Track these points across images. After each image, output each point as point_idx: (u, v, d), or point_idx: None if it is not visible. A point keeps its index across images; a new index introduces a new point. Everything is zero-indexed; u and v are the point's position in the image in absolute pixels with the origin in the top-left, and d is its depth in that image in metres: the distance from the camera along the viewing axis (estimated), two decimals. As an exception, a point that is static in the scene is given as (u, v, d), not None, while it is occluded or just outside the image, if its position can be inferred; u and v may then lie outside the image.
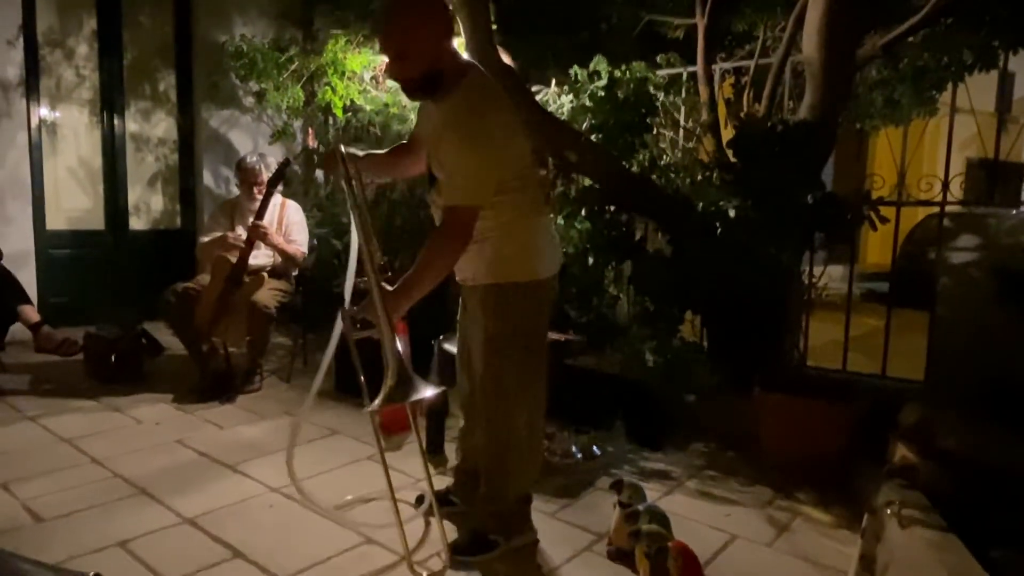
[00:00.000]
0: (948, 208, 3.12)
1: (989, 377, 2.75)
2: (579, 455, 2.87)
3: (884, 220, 2.93)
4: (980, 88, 3.38)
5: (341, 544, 2.14)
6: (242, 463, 2.76)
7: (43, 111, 4.89)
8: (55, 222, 4.99)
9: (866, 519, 1.79)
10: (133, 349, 3.91)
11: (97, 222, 5.22)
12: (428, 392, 1.87)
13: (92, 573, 1.12)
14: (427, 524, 2.25)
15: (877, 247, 8.00)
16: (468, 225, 1.90)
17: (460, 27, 2.92)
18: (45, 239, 4.89)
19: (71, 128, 5.05)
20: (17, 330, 3.79)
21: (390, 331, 1.86)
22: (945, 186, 3.08)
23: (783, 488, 2.64)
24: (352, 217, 2.05)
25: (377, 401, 1.85)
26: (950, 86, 3.33)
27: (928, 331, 3.11)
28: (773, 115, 3.37)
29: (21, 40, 4.61)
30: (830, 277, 3.68)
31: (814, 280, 3.54)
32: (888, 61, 3.62)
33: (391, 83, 4.19)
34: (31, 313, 3.82)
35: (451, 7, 2.15)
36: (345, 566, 2.03)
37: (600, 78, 3.21)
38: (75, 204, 5.11)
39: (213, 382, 3.63)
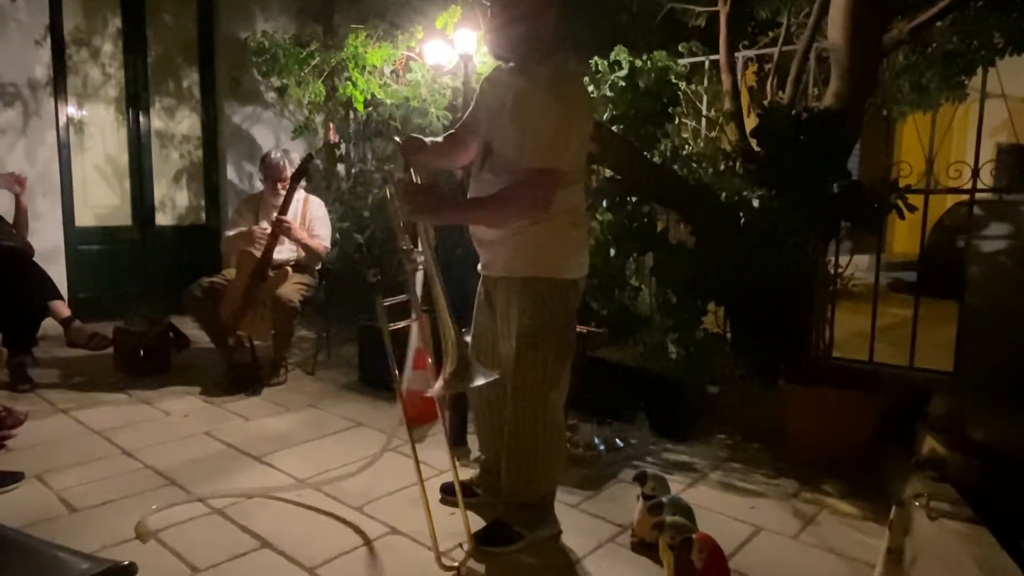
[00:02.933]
0: (978, 195, 3.05)
1: (1020, 368, 2.70)
2: (602, 447, 2.87)
3: (912, 208, 2.88)
4: (1011, 72, 3.29)
5: (367, 535, 2.17)
6: (269, 454, 2.80)
7: (71, 109, 4.97)
8: (84, 219, 5.08)
9: (894, 511, 1.77)
10: (161, 343, 3.98)
11: (124, 218, 5.31)
12: (486, 378, 1.87)
13: (127, 562, 1.14)
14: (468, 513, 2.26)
15: (905, 236, 7.87)
16: (550, 190, 1.87)
17: (480, 19, 2.91)
18: (74, 235, 4.99)
19: (98, 126, 5.13)
20: (49, 325, 3.87)
21: (449, 319, 1.87)
22: (975, 173, 3.02)
23: (809, 480, 2.61)
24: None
25: (438, 385, 1.86)
26: (980, 70, 3.26)
27: (957, 321, 3.06)
28: (797, 103, 3.32)
29: (48, 40, 4.69)
30: (856, 267, 3.63)
31: (840, 270, 3.50)
32: (916, 45, 3.54)
33: (411, 77, 4.20)
34: (62, 308, 3.89)
35: None
36: (372, 557, 2.05)
37: (621, 68, 3.18)
38: (103, 201, 5.20)
39: (239, 375, 3.68)
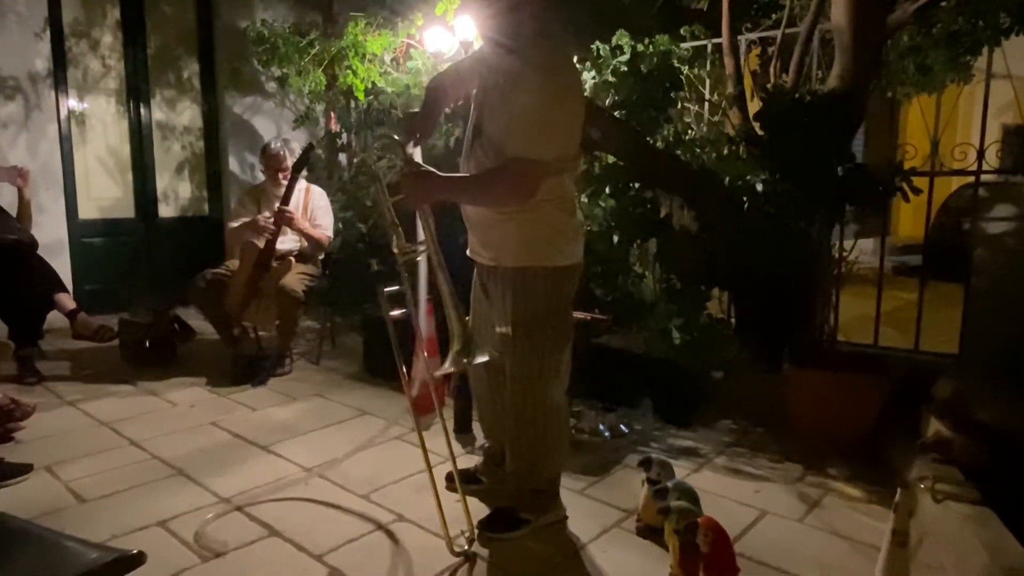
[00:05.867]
0: (983, 177, 3.03)
1: (1026, 350, 2.69)
2: (607, 433, 2.88)
3: (917, 191, 2.86)
4: (1017, 52, 3.26)
5: (374, 522, 2.18)
6: (275, 444, 2.81)
7: (71, 102, 4.96)
8: (87, 211, 5.09)
9: (899, 494, 1.77)
10: (166, 334, 3.99)
11: (127, 210, 5.31)
12: (488, 356, 1.90)
13: (135, 551, 1.15)
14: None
15: (910, 219, 7.82)
16: (532, 180, 1.88)
17: (471, 6, 2.89)
18: (78, 228, 5.00)
19: (99, 118, 5.13)
20: (54, 318, 3.88)
21: (454, 300, 1.89)
22: (980, 154, 3.00)
23: (814, 464, 2.62)
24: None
25: (447, 363, 1.88)
26: (986, 50, 3.22)
27: (962, 304, 3.04)
28: (801, 86, 3.29)
29: (48, 32, 4.68)
30: (861, 250, 3.60)
31: (844, 254, 3.48)
32: (920, 26, 3.50)
33: (412, 64, 4.18)
34: (67, 301, 3.90)
35: None
36: (379, 543, 2.07)
37: (623, 53, 3.16)
38: (105, 193, 5.21)
39: (244, 365, 3.70)
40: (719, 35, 3.48)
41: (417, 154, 2.14)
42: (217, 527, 2.14)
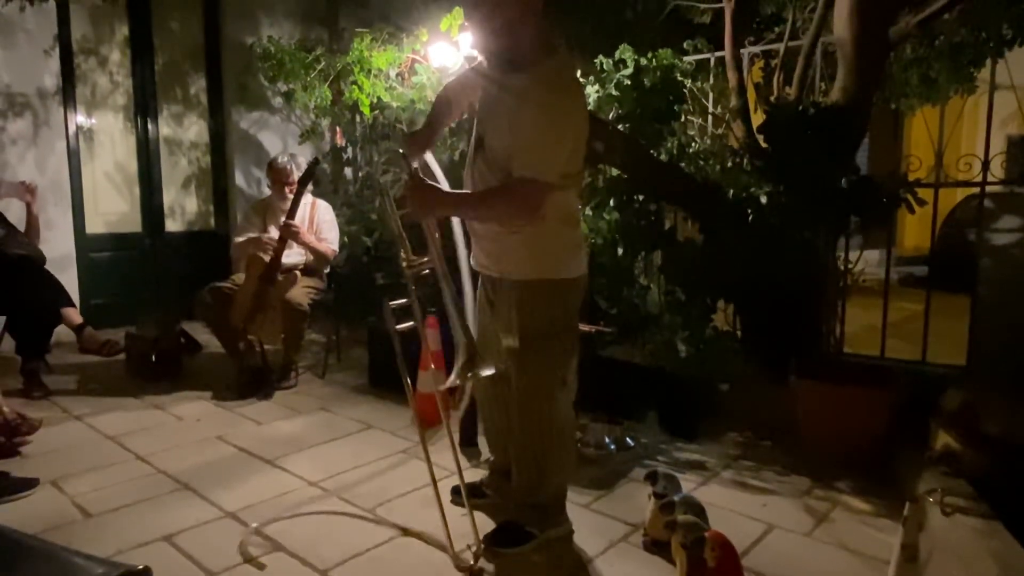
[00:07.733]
0: (988, 188, 3.03)
1: (1034, 361, 2.68)
2: (613, 446, 2.87)
3: (922, 202, 2.86)
4: (1021, 63, 3.27)
5: (379, 536, 2.18)
6: (281, 458, 2.81)
7: (79, 118, 5.01)
8: (94, 226, 5.12)
9: (908, 507, 1.76)
10: (172, 348, 4.01)
11: (134, 225, 5.34)
12: (493, 369, 1.91)
13: (141, 566, 1.15)
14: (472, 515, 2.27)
15: (915, 230, 7.82)
16: (538, 199, 1.89)
17: (469, 28, 2.91)
18: (85, 242, 5.03)
19: (107, 134, 5.17)
20: (61, 332, 3.90)
21: (460, 313, 1.91)
22: (985, 165, 3.00)
23: (821, 477, 2.60)
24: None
25: (452, 376, 1.89)
26: (989, 62, 3.23)
27: (969, 315, 3.03)
28: (804, 98, 3.30)
29: (57, 49, 4.73)
30: (866, 262, 3.61)
31: (850, 265, 3.48)
32: (923, 38, 3.52)
33: (417, 79, 4.21)
34: (74, 315, 3.93)
35: None
36: (384, 558, 2.06)
37: (626, 66, 3.18)
38: (113, 208, 5.24)
39: (250, 379, 3.70)
40: (722, 48, 3.50)
41: (435, 165, 2.14)
42: (230, 541, 2.14)
